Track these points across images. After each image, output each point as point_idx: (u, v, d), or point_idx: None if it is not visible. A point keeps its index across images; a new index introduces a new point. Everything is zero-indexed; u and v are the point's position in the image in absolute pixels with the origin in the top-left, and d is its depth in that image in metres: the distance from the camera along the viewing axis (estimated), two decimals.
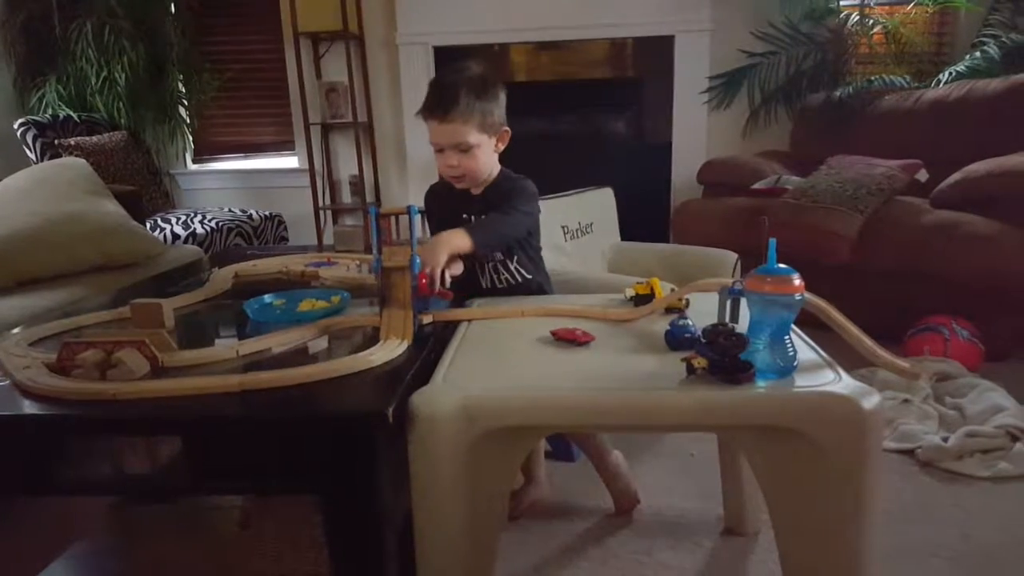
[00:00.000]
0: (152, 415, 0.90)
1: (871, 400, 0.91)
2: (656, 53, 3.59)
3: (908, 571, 1.33)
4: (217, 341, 1.11)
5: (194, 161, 4.22)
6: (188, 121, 3.98)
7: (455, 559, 0.97)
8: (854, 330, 1.06)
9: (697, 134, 3.61)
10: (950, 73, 3.06)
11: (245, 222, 3.30)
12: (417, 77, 3.70)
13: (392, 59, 3.77)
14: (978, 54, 3.06)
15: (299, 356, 1.08)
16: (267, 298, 1.34)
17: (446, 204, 1.52)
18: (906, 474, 1.67)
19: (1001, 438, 1.74)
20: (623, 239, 2.60)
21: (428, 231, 1.53)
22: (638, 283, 1.32)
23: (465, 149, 1.42)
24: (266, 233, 3.41)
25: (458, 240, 1.31)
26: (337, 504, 0.91)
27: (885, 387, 1.98)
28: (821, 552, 0.96)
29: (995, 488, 1.60)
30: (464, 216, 1.47)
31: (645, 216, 3.15)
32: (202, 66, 3.87)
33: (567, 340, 1.13)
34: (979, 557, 1.36)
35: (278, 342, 1.11)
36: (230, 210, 3.46)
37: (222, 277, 1.57)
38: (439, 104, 1.40)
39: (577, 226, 2.41)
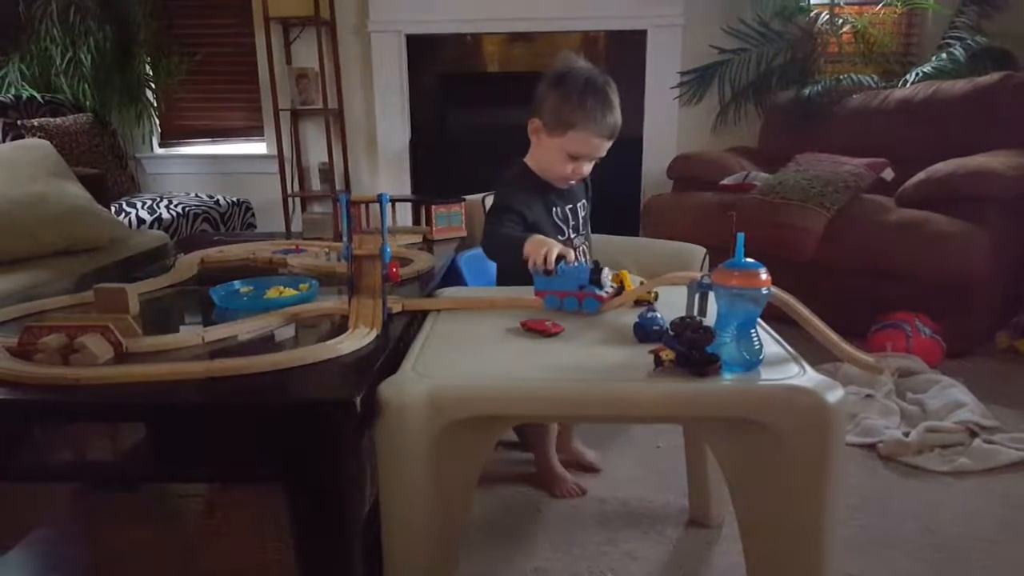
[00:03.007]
0: (115, 401, 0.88)
1: (835, 394, 0.92)
2: (628, 47, 3.60)
3: (868, 563, 1.36)
4: (182, 327, 1.10)
5: (161, 145, 4.13)
6: (155, 104, 3.90)
7: (422, 548, 0.97)
8: (819, 324, 1.08)
9: (668, 129, 3.64)
10: (917, 74, 3.12)
11: (212, 208, 3.25)
12: (389, 65, 3.67)
13: (364, 46, 3.73)
14: (944, 55, 3.12)
15: (266, 344, 1.07)
16: (234, 285, 1.32)
17: (539, 197, 1.53)
18: (868, 468, 1.71)
19: (960, 433, 1.79)
20: (593, 232, 2.61)
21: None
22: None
23: (596, 158, 1.48)
24: (233, 219, 3.36)
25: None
26: (303, 493, 0.90)
27: (848, 382, 2.02)
28: (784, 543, 0.97)
29: (954, 482, 1.64)
30: (556, 210, 1.53)
31: (615, 209, 3.17)
32: (170, 49, 3.79)
33: (537, 331, 1.13)
34: (938, 549, 1.40)
35: (245, 329, 1.09)
36: (197, 195, 3.40)
37: (188, 263, 1.54)
38: (613, 122, 1.44)
39: None
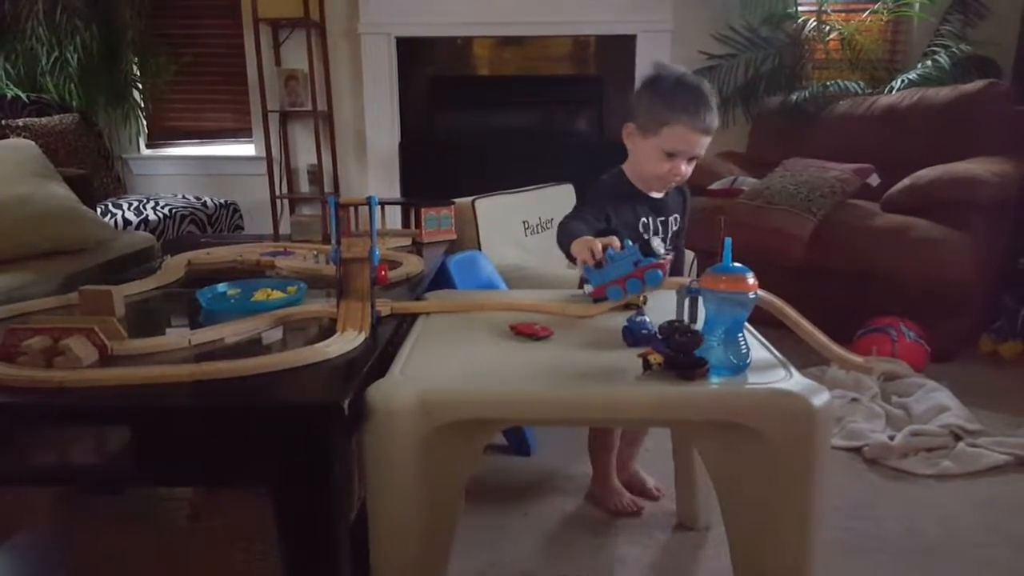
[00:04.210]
0: (99, 404, 0.87)
1: (821, 398, 0.93)
2: (618, 52, 3.62)
3: (853, 565, 1.37)
4: (169, 330, 1.09)
5: (148, 146, 4.10)
6: (142, 105, 3.87)
7: (410, 553, 0.97)
8: (808, 327, 1.09)
9: None
10: (902, 80, 3.15)
11: (199, 209, 3.23)
12: (379, 67, 3.66)
13: (354, 48, 3.72)
14: (929, 63, 3.15)
15: (253, 346, 1.06)
16: (221, 287, 1.31)
17: (629, 205, 1.47)
18: (853, 471, 1.72)
19: (945, 437, 1.80)
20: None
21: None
22: None
23: (694, 158, 1.42)
24: (221, 221, 3.34)
25: None
26: (290, 497, 0.90)
27: (834, 386, 2.03)
28: (770, 545, 0.98)
29: (938, 485, 1.65)
30: (644, 220, 1.47)
31: None
32: (158, 49, 3.77)
33: (526, 334, 1.13)
34: (922, 552, 1.41)
35: (232, 332, 1.09)
36: (184, 197, 3.38)
37: (175, 265, 1.53)
38: (708, 117, 1.37)
39: (537, 221, 2.42)
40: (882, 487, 1.66)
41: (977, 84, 2.80)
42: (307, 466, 0.87)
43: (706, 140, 1.39)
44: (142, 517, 1.36)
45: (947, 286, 2.33)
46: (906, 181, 2.52)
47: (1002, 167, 2.46)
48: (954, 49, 3.15)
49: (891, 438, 1.80)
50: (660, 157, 1.40)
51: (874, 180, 2.75)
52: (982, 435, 1.82)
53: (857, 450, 1.80)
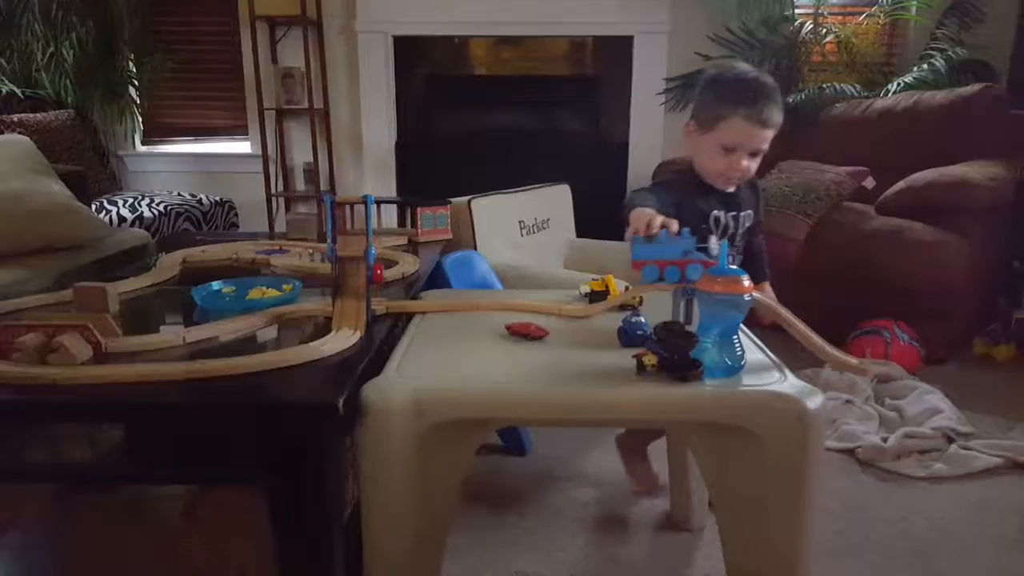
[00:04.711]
0: (93, 401, 0.87)
1: (815, 400, 0.93)
2: (615, 52, 3.62)
3: (846, 566, 1.37)
4: (163, 328, 1.08)
5: (143, 143, 4.09)
6: (138, 102, 3.86)
7: (403, 552, 0.97)
8: (802, 328, 1.09)
9: (654, 134, 3.66)
10: (898, 84, 3.15)
11: (195, 207, 3.22)
12: (376, 66, 3.66)
13: (351, 46, 3.71)
14: (925, 66, 3.16)
15: (248, 345, 1.06)
16: (216, 285, 1.31)
17: (698, 197, 1.43)
18: (846, 472, 1.73)
19: (937, 439, 1.81)
20: (579, 236, 2.62)
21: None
22: (593, 280, 1.33)
23: (757, 153, 1.38)
24: (216, 219, 3.33)
25: None
26: (284, 496, 0.90)
27: (828, 388, 2.04)
28: (763, 546, 0.98)
29: (930, 487, 1.66)
30: (716, 214, 1.43)
31: (602, 214, 3.17)
32: (154, 46, 3.75)
33: (521, 334, 1.13)
34: (914, 554, 1.41)
35: (226, 330, 1.09)
36: (179, 194, 3.37)
37: (170, 262, 1.53)
38: (767, 110, 1.33)
39: (534, 221, 2.42)
40: (875, 489, 1.66)
41: (973, 88, 2.81)
42: (301, 465, 0.87)
43: (767, 133, 1.35)
44: (136, 514, 1.36)
45: (941, 289, 2.34)
46: (901, 184, 2.53)
47: (996, 171, 2.47)
48: (950, 52, 3.16)
49: (884, 440, 1.80)
50: (719, 152, 1.37)
51: (869, 183, 2.76)
52: (974, 437, 1.83)
53: (850, 452, 1.80)
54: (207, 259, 1.60)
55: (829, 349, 1.08)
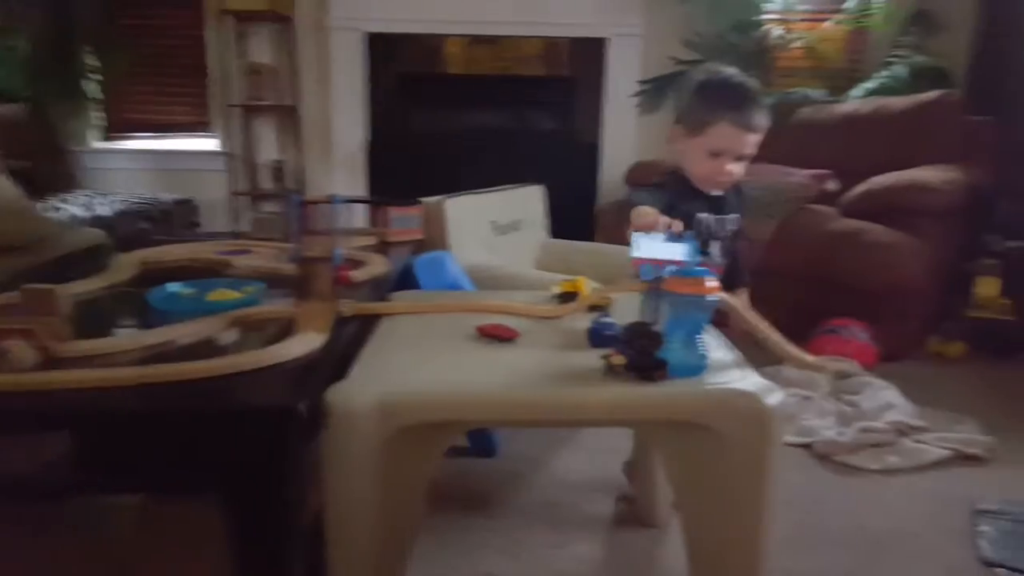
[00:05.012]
0: (40, 410, 0.84)
1: (774, 397, 0.95)
2: (589, 54, 3.63)
3: (804, 558, 1.39)
4: (117, 331, 1.05)
5: (104, 139, 3.98)
6: (97, 97, 3.76)
7: (368, 559, 0.95)
8: (764, 327, 1.10)
9: (627, 136, 3.67)
10: (862, 89, 3.21)
11: (154, 205, 3.15)
12: (348, 63, 3.61)
13: (322, 43, 3.66)
14: (888, 73, 3.23)
15: (207, 348, 1.03)
16: (173, 287, 1.27)
17: (688, 200, 1.42)
18: (804, 466, 1.75)
19: (891, 433, 1.85)
20: (552, 237, 2.61)
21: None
22: (565, 281, 1.33)
23: (743, 158, 1.39)
24: (177, 218, 3.26)
25: None
26: (243, 506, 0.87)
27: (788, 385, 2.07)
28: (724, 540, 1.00)
29: (885, 480, 1.70)
30: (704, 217, 1.43)
31: (574, 215, 3.18)
32: (116, 40, 3.66)
33: (492, 336, 1.12)
34: (869, 544, 1.44)
35: (184, 333, 1.05)
36: (139, 192, 3.29)
37: (127, 263, 1.48)
38: (754, 116, 1.35)
39: (506, 222, 2.41)
40: (831, 482, 1.69)
41: (932, 94, 2.87)
42: (262, 473, 0.85)
43: (753, 139, 1.37)
44: (86, 528, 1.31)
45: (897, 289, 2.39)
46: (862, 187, 2.57)
47: (952, 174, 2.53)
48: (911, 60, 3.23)
49: (841, 434, 1.84)
50: (705, 156, 1.38)
51: (832, 185, 2.80)
52: (926, 431, 1.87)
53: (808, 446, 1.83)
54: (166, 260, 1.56)
55: (790, 348, 1.09)
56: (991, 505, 1.56)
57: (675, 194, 1.42)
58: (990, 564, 1.37)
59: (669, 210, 1.31)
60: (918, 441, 1.82)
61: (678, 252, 1.08)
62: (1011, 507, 1.55)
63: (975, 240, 2.64)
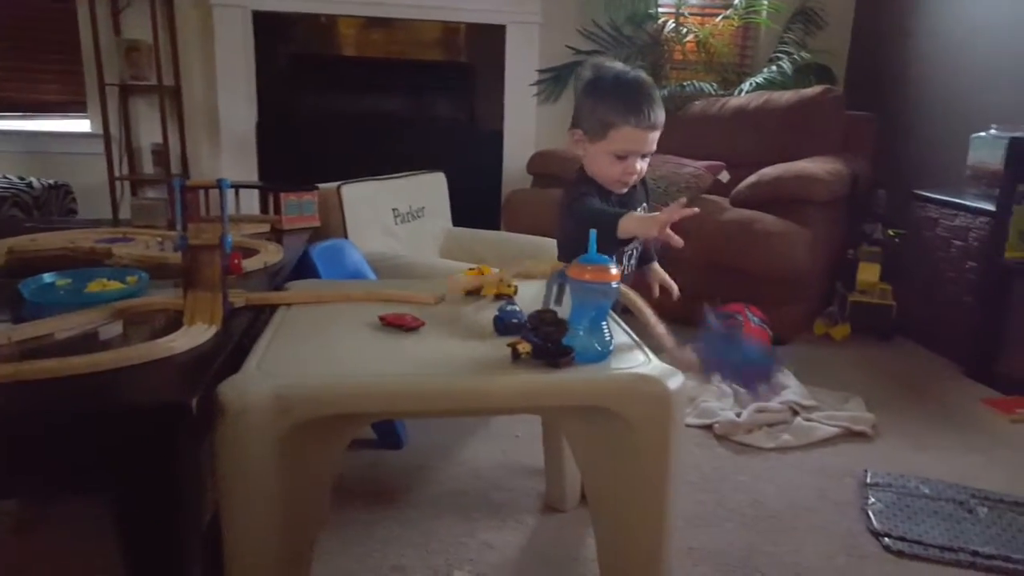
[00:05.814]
0: None
1: (676, 380, 0.98)
2: (488, 41, 3.61)
3: (706, 535, 1.45)
4: None
5: None
6: None
7: (267, 560, 0.91)
8: (652, 318, 1.14)
9: (527, 125, 3.69)
10: (751, 84, 3.37)
11: (24, 191, 2.89)
12: (233, 42, 3.44)
13: (205, 20, 3.46)
14: (774, 68, 3.40)
15: (87, 343, 0.96)
16: (47, 277, 1.18)
17: (601, 200, 1.41)
18: (704, 446, 1.83)
19: (784, 413, 1.96)
20: (456, 225, 2.60)
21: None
22: (469, 269, 1.33)
23: (648, 154, 1.38)
24: (50, 204, 3.01)
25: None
26: (133, 508, 0.81)
27: None
28: (630, 520, 1.02)
29: (779, 457, 1.79)
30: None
31: (478, 202, 3.17)
32: None
33: (396, 325, 1.10)
34: (766, 519, 1.52)
35: (61, 327, 0.97)
36: (6, 176, 3.01)
37: None
38: (653, 114, 1.33)
39: (408, 209, 2.37)
40: (730, 460, 1.77)
41: (815, 89, 3.05)
42: (151, 473, 0.80)
43: (654, 135, 1.38)
44: None
45: (786, 275, 2.53)
46: (752, 178, 2.70)
47: (835, 166, 2.71)
48: (796, 56, 3.42)
49: (738, 415, 1.93)
50: (612, 161, 1.38)
51: (724, 176, 2.93)
52: (816, 410, 2.00)
53: (708, 427, 1.92)
54: (38, 248, 1.43)
55: (667, 342, 1.12)
56: (878, 478, 1.67)
57: (591, 194, 1.43)
58: (877, 534, 1.47)
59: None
60: (809, 420, 1.94)
61: (738, 354, 1.20)
62: (895, 480, 1.67)
63: (857, 228, 2.84)
